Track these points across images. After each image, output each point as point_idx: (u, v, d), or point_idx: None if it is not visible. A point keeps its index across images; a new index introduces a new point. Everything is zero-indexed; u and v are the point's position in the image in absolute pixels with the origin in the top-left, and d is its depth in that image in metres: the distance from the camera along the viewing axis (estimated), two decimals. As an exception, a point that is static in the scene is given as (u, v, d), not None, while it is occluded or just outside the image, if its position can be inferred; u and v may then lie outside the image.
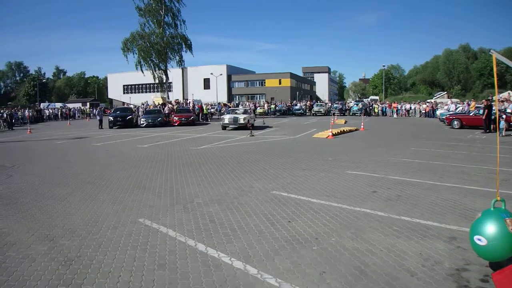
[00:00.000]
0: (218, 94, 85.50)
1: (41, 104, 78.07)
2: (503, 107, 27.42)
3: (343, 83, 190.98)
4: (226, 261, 5.21)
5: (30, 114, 50.18)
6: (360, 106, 54.11)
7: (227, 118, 30.36)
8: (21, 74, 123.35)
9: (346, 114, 54.88)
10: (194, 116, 39.14)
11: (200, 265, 5.10)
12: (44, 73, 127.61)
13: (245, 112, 33.60)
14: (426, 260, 5.16)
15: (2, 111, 45.09)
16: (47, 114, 57.30)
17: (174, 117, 36.54)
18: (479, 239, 4.55)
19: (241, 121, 29.44)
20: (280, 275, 4.79)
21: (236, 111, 34.10)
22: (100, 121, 35.64)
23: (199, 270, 4.95)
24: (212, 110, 54.77)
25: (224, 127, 30.01)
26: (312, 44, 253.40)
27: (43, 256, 5.48)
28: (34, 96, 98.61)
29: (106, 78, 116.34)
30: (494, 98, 27.16)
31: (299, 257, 5.32)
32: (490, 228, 4.48)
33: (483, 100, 34.64)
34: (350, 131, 26.58)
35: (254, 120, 33.39)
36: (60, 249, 5.74)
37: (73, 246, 5.82)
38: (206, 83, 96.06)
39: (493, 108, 24.29)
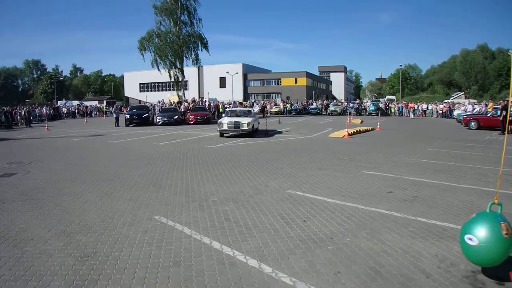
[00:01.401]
0: (234, 92, 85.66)
1: (58, 101, 78.98)
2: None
3: (359, 83, 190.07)
4: (241, 260, 5.23)
5: (48, 111, 50.68)
6: (375, 107, 53.51)
7: (226, 123, 22.95)
8: (39, 72, 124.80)
9: (362, 113, 54.55)
10: (209, 114, 39.25)
11: (215, 263, 5.12)
12: (61, 71, 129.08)
13: (248, 114, 25.86)
14: (441, 262, 5.12)
15: (20, 108, 45.67)
16: (64, 111, 57.91)
17: (190, 116, 36.68)
18: (470, 239, 4.48)
19: (244, 127, 22.66)
20: (295, 274, 4.79)
21: (238, 112, 26.31)
22: (117, 119, 35.95)
23: (214, 268, 4.97)
24: (228, 108, 54.88)
25: (222, 134, 23.28)
26: (328, 43, 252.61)
27: (59, 252, 5.55)
28: (52, 94, 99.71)
29: (122, 77, 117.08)
30: (509, 99, 26.78)
31: (314, 256, 5.32)
32: (483, 230, 4.42)
33: (501, 101, 34.19)
34: (366, 131, 26.42)
35: (259, 123, 26.56)
36: (76, 245, 5.81)
37: (89, 242, 5.89)
38: (222, 82, 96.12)
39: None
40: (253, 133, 23.48)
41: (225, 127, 22.71)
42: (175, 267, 5.02)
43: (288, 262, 5.15)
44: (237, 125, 22.61)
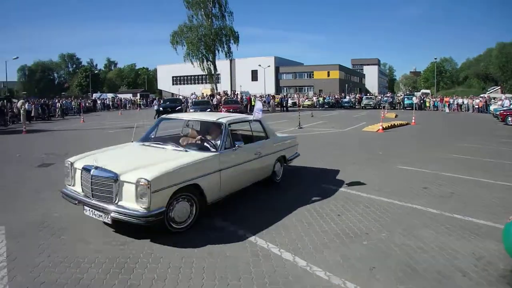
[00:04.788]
0: (266, 86, 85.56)
1: (93, 94, 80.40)
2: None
3: (393, 76, 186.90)
4: (275, 252, 5.28)
5: (84, 104, 51.64)
6: (410, 101, 52.35)
7: None
8: (74, 66, 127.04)
9: (396, 107, 53.68)
10: (242, 107, 39.30)
11: (250, 255, 5.18)
12: (96, 65, 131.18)
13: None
14: (478, 260, 5.05)
15: (56, 100, 46.73)
16: (99, 104, 58.93)
17: (222, 108, 36.79)
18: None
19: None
20: (329, 268, 4.80)
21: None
22: (157, 111, 36.16)
23: (249, 260, 5.03)
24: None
25: None
26: (361, 36, 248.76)
27: (97, 239, 5.73)
28: (87, 87, 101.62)
29: (155, 70, 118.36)
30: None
31: (348, 251, 5.32)
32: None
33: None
34: (401, 125, 25.98)
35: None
36: (114, 233, 5.96)
37: (126, 231, 6.02)
38: (254, 75, 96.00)
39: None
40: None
41: None
42: (210, 258, 5.09)
43: (322, 256, 5.16)
44: None
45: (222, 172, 6.67)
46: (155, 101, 47.14)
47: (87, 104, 53.34)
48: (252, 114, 8.44)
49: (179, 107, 36.26)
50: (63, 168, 6.72)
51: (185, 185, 5.89)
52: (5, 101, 34.65)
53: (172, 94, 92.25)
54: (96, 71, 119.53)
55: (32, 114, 34.65)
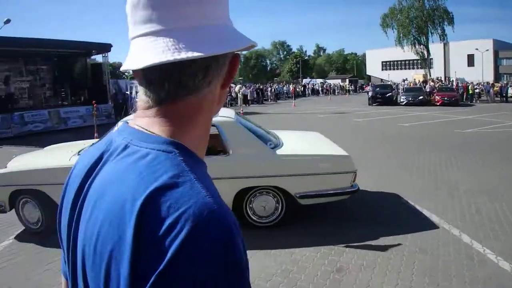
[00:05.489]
0: (483, 72, 78.33)
1: (303, 80, 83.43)
2: None
3: None
4: (492, 259, 4.93)
5: (294, 89, 53.93)
6: None
7: None
8: (284, 52, 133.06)
9: None
10: (458, 96, 36.59)
11: (464, 258, 4.95)
12: (305, 51, 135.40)
13: None
14: None
15: (269, 86, 49.79)
16: (309, 89, 60.88)
17: (436, 96, 34.72)
18: None
19: None
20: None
21: None
22: (372, 97, 35.64)
23: (462, 262, 4.82)
24: (478, 90, 50.24)
25: None
26: None
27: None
28: (297, 73, 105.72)
29: (364, 55, 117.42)
30: None
31: None
32: None
33: None
34: None
35: None
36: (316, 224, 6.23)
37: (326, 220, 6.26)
38: (470, 60, 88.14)
39: None
40: None
41: None
42: (421, 254, 5.02)
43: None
44: None
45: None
46: (369, 87, 46.55)
47: (297, 89, 55.63)
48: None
49: (390, 94, 35.48)
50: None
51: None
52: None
53: (381, 80, 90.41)
54: (305, 57, 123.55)
55: (249, 98, 37.54)
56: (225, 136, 5.75)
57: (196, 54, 0.73)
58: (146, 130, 0.80)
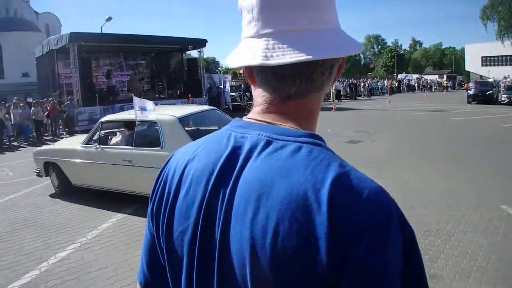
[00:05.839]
0: None
1: (399, 75, 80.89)
2: None
3: None
4: None
5: (389, 84, 52.41)
6: None
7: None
8: (379, 46, 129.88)
9: None
10: None
11: None
12: (401, 45, 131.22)
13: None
14: None
15: (363, 81, 48.78)
16: (404, 85, 58.89)
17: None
18: None
19: None
20: None
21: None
22: (473, 95, 33.47)
23: None
24: None
25: None
26: None
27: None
28: (392, 68, 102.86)
29: (463, 49, 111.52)
30: None
31: None
32: None
33: None
34: None
35: None
36: (418, 218, 6.04)
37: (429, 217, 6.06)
38: None
39: None
40: None
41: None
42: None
43: None
44: None
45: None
46: (471, 84, 43.93)
47: (391, 84, 54.04)
48: None
49: (490, 91, 33.41)
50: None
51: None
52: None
53: (481, 76, 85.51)
54: (401, 52, 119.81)
55: (341, 93, 37.09)
56: (162, 131, 6.73)
57: (339, 54, 0.81)
58: (280, 124, 0.84)
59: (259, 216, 0.74)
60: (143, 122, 7.27)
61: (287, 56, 0.77)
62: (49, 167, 8.46)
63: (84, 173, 7.97)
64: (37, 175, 8.90)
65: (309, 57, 0.76)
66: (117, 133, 8.20)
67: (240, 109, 26.98)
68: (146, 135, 7.35)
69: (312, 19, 0.81)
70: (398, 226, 0.71)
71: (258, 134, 0.83)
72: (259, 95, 0.89)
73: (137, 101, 7.12)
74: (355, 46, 0.85)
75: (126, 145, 7.30)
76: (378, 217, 0.69)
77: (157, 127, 6.83)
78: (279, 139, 0.80)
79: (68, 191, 8.29)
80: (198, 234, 0.83)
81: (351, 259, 0.67)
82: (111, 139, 7.90)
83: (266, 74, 0.85)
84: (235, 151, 0.83)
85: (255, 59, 0.81)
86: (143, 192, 6.86)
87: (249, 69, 0.89)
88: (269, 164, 0.77)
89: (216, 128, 6.85)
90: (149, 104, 7.12)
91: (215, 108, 9.07)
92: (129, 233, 6.17)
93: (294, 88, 0.84)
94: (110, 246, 5.74)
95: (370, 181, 0.74)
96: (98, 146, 7.50)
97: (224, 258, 0.79)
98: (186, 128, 7.00)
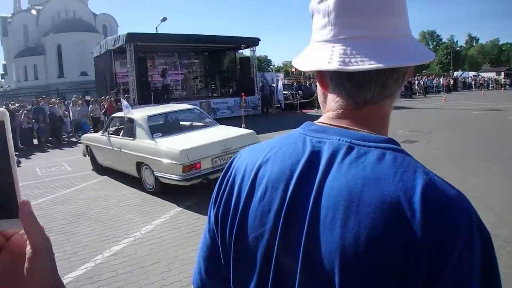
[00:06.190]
0: None
1: (455, 73, 78.46)
2: None
3: None
4: None
5: (445, 82, 50.94)
6: None
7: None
8: (434, 43, 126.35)
9: None
10: None
11: None
12: (457, 41, 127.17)
13: None
14: None
15: (418, 79, 47.56)
16: (460, 82, 57.08)
17: None
18: None
19: None
20: None
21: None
22: None
23: None
24: None
25: None
26: None
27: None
28: (447, 65, 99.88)
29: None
30: None
31: None
32: None
33: None
34: None
35: None
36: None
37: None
38: None
39: None
40: None
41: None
42: None
43: None
44: None
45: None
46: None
47: (447, 82, 52.46)
48: None
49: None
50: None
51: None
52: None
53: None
54: (457, 48, 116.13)
55: (397, 92, 36.34)
56: (135, 126, 8.92)
57: (416, 61, 0.81)
58: (358, 130, 0.84)
59: (349, 225, 0.72)
60: (129, 118, 9.42)
61: (366, 62, 0.77)
62: (88, 149, 11.21)
63: (101, 155, 10.58)
64: (83, 155, 11.86)
65: (390, 64, 0.77)
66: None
67: (292, 107, 26.94)
68: (128, 128, 9.48)
69: (391, 25, 0.81)
70: (477, 229, 0.70)
71: (339, 139, 0.82)
72: (332, 100, 0.89)
73: (124, 102, 10.28)
74: (429, 54, 0.85)
75: (121, 136, 9.62)
76: (464, 222, 0.69)
77: (133, 123, 9.09)
78: (361, 145, 0.79)
79: (98, 167, 10.96)
80: (277, 241, 0.81)
81: (447, 266, 0.67)
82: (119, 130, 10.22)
83: (342, 80, 0.84)
84: (315, 155, 0.82)
85: (332, 64, 0.80)
86: (126, 171, 9.43)
87: (321, 73, 0.89)
88: (355, 171, 0.76)
89: (187, 124, 10.00)
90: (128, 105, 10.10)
91: (196, 107, 10.92)
92: (182, 230, 6.34)
93: (369, 94, 0.83)
94: (163, 241, 5.91)
95: (451, 187, 0.74)
96: (107, 135, 9.92)
97: (308, 267, 0.76)
98: (151, 124, 8.97)
